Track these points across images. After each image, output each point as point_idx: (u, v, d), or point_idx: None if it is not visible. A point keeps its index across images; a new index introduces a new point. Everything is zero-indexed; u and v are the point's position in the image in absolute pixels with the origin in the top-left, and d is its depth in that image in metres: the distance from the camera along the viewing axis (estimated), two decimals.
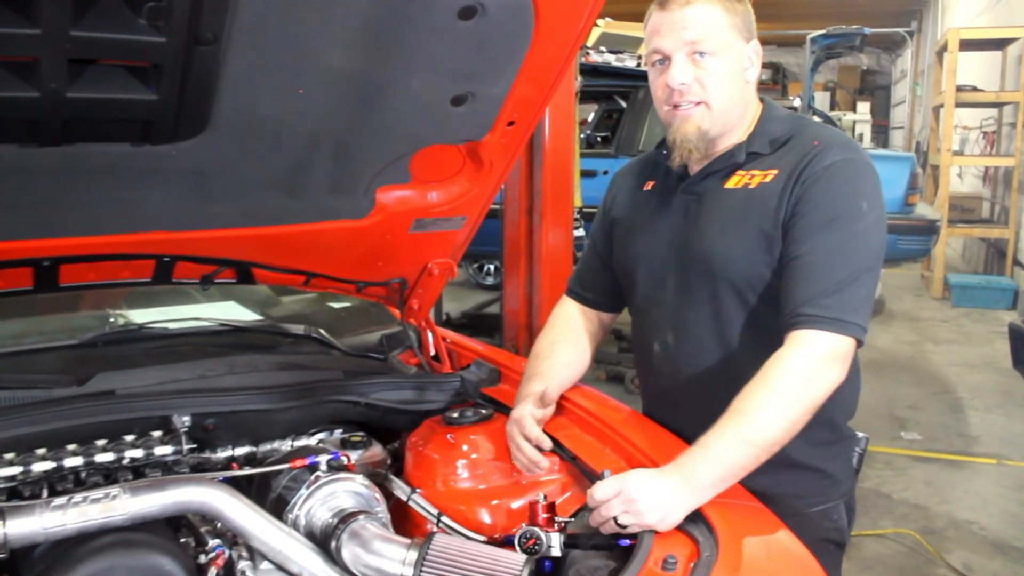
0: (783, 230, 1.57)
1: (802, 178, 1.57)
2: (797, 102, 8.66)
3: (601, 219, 1.92)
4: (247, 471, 1.63)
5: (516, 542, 1.45)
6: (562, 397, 1.83)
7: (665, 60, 1.62)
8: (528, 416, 1.70)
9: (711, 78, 1.60)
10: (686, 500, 1.41)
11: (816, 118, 7.15)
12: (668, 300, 1.72)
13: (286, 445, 1.79)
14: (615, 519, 1.41)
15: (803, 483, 1.69)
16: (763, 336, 1.60)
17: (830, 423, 1.69)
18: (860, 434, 1.79)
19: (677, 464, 1.45)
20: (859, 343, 1.53)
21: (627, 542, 1.42)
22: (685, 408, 1.72)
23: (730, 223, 1.63)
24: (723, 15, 1.59)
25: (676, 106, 1.63)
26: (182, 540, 1.48)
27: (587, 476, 1.63)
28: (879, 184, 1.62)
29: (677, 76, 1.59)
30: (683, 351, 1.71)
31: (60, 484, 1.50)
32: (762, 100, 1.73)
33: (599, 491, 1.44)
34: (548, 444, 1.68)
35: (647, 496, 1.40)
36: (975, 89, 8.90)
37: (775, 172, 1.61)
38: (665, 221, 1.73)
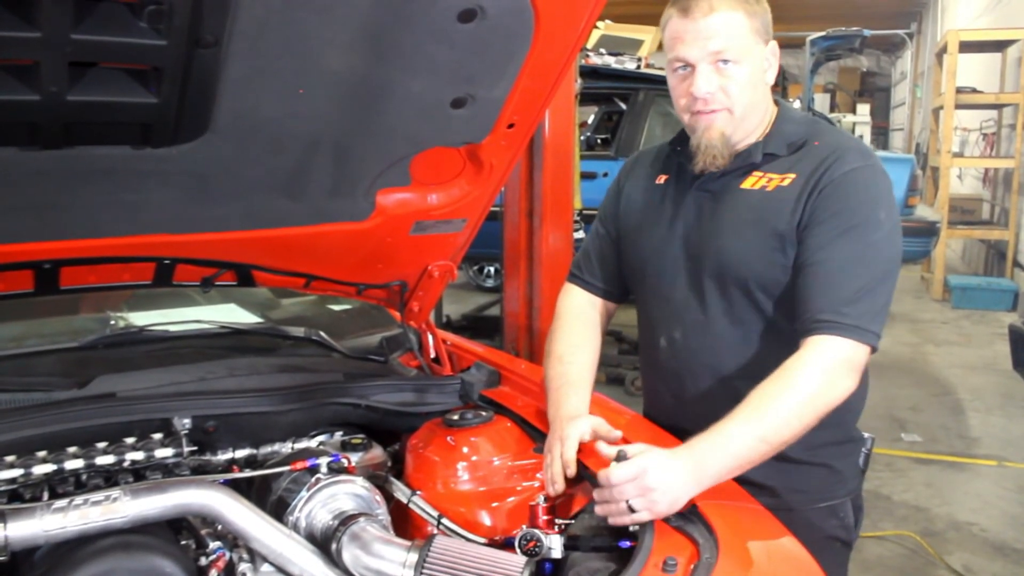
0: (798, 234, 1.58)
1: (820, 183, 1.58)
2: (797, 104, 8.65)
3: (613, 201, 1.88)
4: (247, 473, 1.64)
5: (516, 544, 1.45)
6: None
7: (688, 67, 1.62)
8: (573, 439, 1.61)
9: (735, 85, 1.60)
10: (693, 489, 1.43)
11: None
12: (678, 296, 1.72)
13: (286, 447, 1.80)
14: (627, 503, 1.40)
15: (810, 479, 1.70)
16: (771, 337, 1.62)
17: (840, 424, 1.69)
18: (866, 434, 1.81)
19: (691, 450, 1.46)
20: (873, 350, 1.55)
21: (627, 543, 1.42)
22: (686, 406, 1.72)
23: (745, 223, 1.63)
24: (745, 20, 1.59)
25: (699, 112, 1.63)
26: (183, 542, 1.48)
27: (587, 478, 1.62)
28: (892, 191, 1.65)
29: (703, 86, 1.59)
30: (689, 348, 1.71)
31: (61, 486, 1.50)
32: (777, 102, 1.73)
33: (617, 473, 1.42)
34: (573, 471, 1.59)
35: (664, 484, 1.40)
36: (975, 91, 8.90)
37: (792, 176, 1.62)
38: (678, 217, 1.73)
